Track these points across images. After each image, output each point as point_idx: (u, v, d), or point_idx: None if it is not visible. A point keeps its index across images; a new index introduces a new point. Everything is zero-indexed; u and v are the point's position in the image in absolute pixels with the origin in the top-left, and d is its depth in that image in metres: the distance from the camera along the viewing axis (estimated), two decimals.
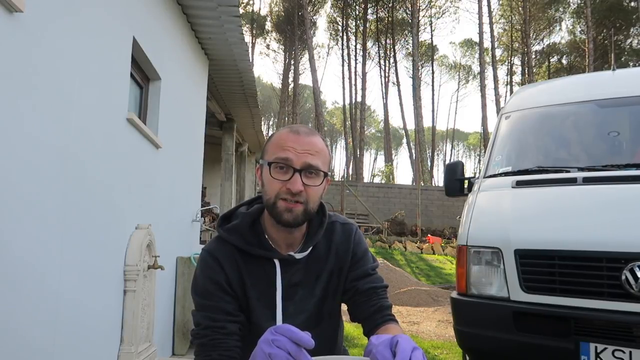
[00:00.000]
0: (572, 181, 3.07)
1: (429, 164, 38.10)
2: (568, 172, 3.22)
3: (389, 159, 38.40)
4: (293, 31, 33.61)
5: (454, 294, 3.15)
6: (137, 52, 3.29)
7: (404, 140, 42.04)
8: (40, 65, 2.03)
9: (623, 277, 2.48)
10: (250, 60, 5.92)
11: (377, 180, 45.31)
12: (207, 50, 5.39)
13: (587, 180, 3.01)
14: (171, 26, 4.13)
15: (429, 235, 17.18)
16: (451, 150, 54.49)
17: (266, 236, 1.28)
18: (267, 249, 1.26)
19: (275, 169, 1.19)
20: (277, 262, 1.27)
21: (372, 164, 57.01)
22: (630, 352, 2.38)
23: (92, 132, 2.55)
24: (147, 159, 3.51)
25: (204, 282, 1.24)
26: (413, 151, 34.84)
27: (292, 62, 35.50)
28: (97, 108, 2.61)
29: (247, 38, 34.40)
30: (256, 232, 1.28)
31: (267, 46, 39.11)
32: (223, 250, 1.27)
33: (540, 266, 2.79)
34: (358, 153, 33.62)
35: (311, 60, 28.62)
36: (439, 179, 47.26)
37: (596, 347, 2.47)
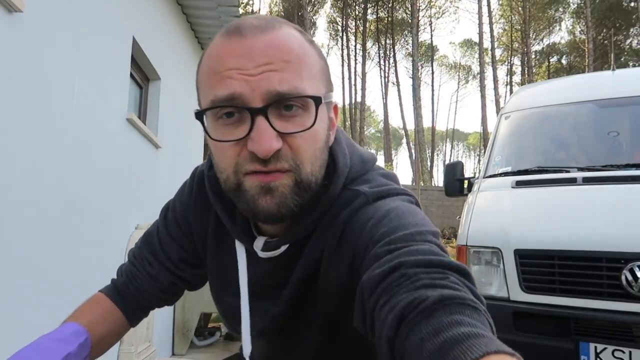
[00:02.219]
0: (572, 181, 3.07)
1: (429, 164, 38.12)
2: (568, 172, 3.23)
3: (388, 159, 38.40)
4: None
5: None
6: (136, 52, 3.30)
7: (404, 141, 42.05)
8: (39, 65, 2.03)
9: (623, 277, 2.48)
10: None
11: None
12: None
13: (587, 181, 3.02)
14: (171, 26, 4.13)
15: None
16: (451, 151, 54.50)
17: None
18: (234, 222, 0.77)
19: (217, 120, 0.64)
20: (239, 247, 0.80)
21: None
22: (630, 352, 2.39)
23: (91, 132, 2.55)
24: (147, 159, 3.51)
25: (173, 213, 0.89)
26: (413, 151, 34.84)
27: None
28: (96, 108, 2.61)
29: None
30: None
31: None
32: (203, 196, 0.84)
33: (540, 266, 2.79)
34: None
35: None
36: (438, 179, 47.27)
37: (596, 347, 2.47)
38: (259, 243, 0.74)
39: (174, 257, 0.87)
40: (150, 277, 0.88)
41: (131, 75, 3.29)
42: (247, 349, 0.80)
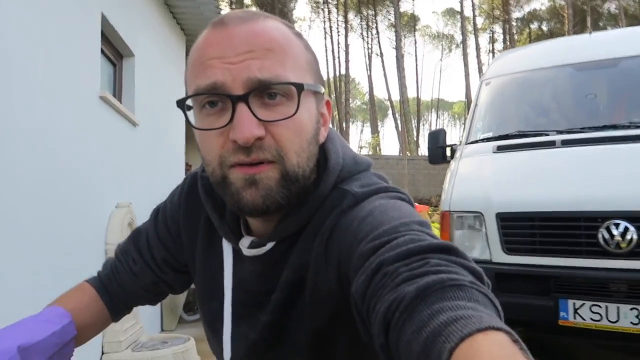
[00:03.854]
0: (551, 144, 3.11)
1: (415, 134, 38.24)
2: (547, 135, 3.27)
3: (375, 131, 38.42)
4: (273, 4, 32.94)
5: None
6: (106, 28, 3.21)
7: (390, 112, 42.03)
8: (3, 44, 1.96)
9: (600, 235, 2.54)
10: None
11: (364, 152, 45.43)
12: (182, 26, 5.28)
13: (566, 143, 3.06)
14: (143, 0, 4.02)
15: (416, 204, 17.32)
16: (436, 120, 54.61)
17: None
18: (223, 221, 0.76)
19: (200, 111, 0.64)
20: (226, 246, 0.78)
21: (359, 136, 56.99)
22: (607, 307, 2.46)
23: (62, 113, 2.48)
24: (124, 138, 3.46)
25: (163, 214, 0.88)
26: (399, 122, 34.88)
27: None
28: (65, 87, 2.54)
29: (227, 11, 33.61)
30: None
31: None
32: (194, 198, 0.83)
33: (520, 228, 2.85)
34: (344, 126, 33.54)
35: None
36: (425, 148, 47.47)
37: (574, 304, 2.55)
38: (245, 242, 0.72)
39: (158, 257, 0.87)
40: (133, 274, 0.87)
41: (102, 52, 3.21)
42: (226, 354, 0.77)
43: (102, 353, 2.99)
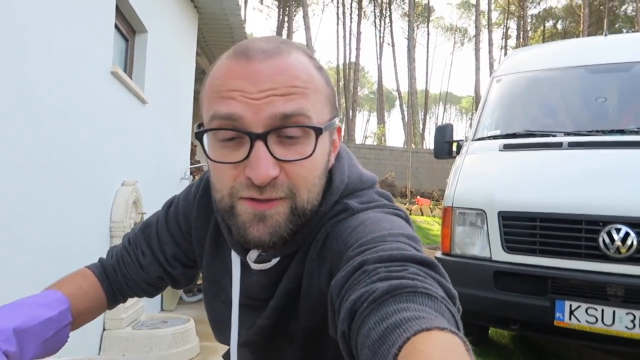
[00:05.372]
0: (558, 145, 3.11)
1: (421, 126, 38.07)
2: (554, 136, 3.26)
3: (381, 121, 38.27)
4: None
5: (438, 254, 3.23)
6: (121, 3, 3.20)
7: (397, 102, 41.81)
8: (18, 16, 1.97)
9: (600, 239, 2.56)
10: (243, 17, 5.77)
11: (369, 141, 45.31)
12: (196, 3, 5.25)
13: (573, 145, 3.06)
14: None
15: (418, 197, 17.34)
16: (443, 114, 54.32)
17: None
18: (231, 233, 0.74)
19: (217, 142, 0.64)
20: (234, 257, 0.80)
21: (365, 126, 56.78)
22: (603, 310, 2.49)
23: (74, 85, 2.49)
24: (133, 115, 3.47)
25: (175, 210, 0.90)
26: (405, 113, 34.72)
27: (286, 18, 34.72)
28: (79, 60, 2.54)
29: None
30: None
31: (261, 1, 38.08)
32: (207, 200, 0.84)
33: (522, 227, 2.86)
34: (351, 114, 33.41)
35: (305, 17, 28.00)
36: (430, 141, 47.29)
37: (571, 305, 2.57)
38: (252, 255, 0.74)
39: (168, 252, 0.89)
40: (140, 266, 0.89)
41: (116, 27, 3.20)
42: (233, 358, 0.82)
43: (104, 329, 3.04)
